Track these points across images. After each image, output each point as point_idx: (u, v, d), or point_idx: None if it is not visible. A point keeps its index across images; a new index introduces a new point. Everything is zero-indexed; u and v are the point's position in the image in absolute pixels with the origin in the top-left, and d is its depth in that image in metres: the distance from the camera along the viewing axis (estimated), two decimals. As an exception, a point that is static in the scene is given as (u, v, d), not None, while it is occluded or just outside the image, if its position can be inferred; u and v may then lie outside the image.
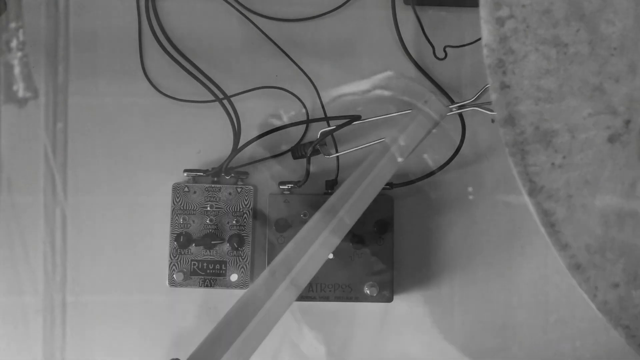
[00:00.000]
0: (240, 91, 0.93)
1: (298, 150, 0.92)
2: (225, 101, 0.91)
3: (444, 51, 0.92)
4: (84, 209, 0.93)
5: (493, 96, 0.45)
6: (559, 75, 0.44)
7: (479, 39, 0.89)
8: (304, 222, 0.87)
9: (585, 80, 0.44)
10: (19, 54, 0.92)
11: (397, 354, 0.93)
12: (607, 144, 0.45)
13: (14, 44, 0.92)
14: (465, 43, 0.91)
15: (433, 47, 0.92)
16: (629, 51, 0.44)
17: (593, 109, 0.44)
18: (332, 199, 0.79)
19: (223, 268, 0.88)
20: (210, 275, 0.88)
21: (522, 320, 0.93)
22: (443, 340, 0.93)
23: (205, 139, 0.93)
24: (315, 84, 0.94)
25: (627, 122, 0.44)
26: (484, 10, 0.45)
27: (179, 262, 0.88)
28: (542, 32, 0.44)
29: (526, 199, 0.48)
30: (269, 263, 0.87)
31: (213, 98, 0.92)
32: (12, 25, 0.91)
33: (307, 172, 0.88)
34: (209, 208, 0.89)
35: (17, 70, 0.92)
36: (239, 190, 0.89)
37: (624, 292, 0.46)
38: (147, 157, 0.94)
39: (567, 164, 0.45)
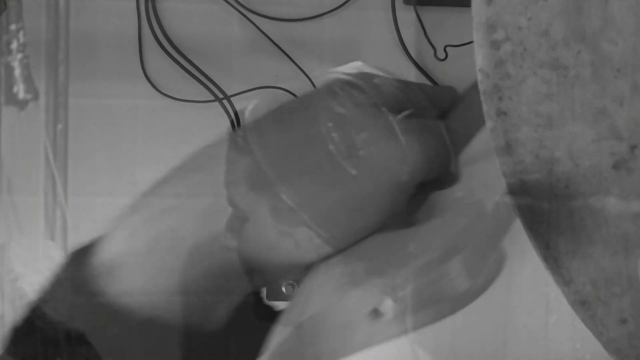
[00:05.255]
0: (240, 91, 0.90)
1: (298, 150, 0.89)
2: (225, 101, 0.89)
3: (445, 51, 0.89)
4: (84, 209, 0.91)
5: (489, 124, 0.41)
6: (560, 100, 0.40)
7: (479, 40, 0.87)
8: (304, 221, 0.85)
9: (588, 104, 0.40)
10: (20, 55, 0.89)
11: (397, 354, 0.91)
12: (612, 171, 0.41)
13: (14, 45, 0.89)
14: (465, 42, 0.88)
15: (434, 48, 0.90)
16: (633, 72, 0.40)
17: (596, 134, 0.41)
18: None
19: (224, 268, 0.85)
20: (210, 274, 0.85)
21: (522, 321, 0.91)
22: (443, 341, 0.91)
23: (205, 139, 0.91)
24: (315, 84, 0.90)
25: (633, 147, 0.40)
26: (478, 34, 0.41)
27: (179, 262, 0.85)
28: (541, 55, 0.40)
29: (526, 232, 0.44)
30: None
31: (213, 98, 0.90)
32: (13, 26, 0.89)
33: (308, 172, 0.85)
34: (209, 208, 0.86)
35: (17, 71, 0.89)
36: (239, 190, 0.86)
37: (633, 328, 0.43)
38: (147, 158, 0.91)
39: (569, 193, 0.41)
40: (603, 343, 0.45)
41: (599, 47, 0.40)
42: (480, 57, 0.41)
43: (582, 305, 0.43)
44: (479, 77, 0.41)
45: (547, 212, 0.43)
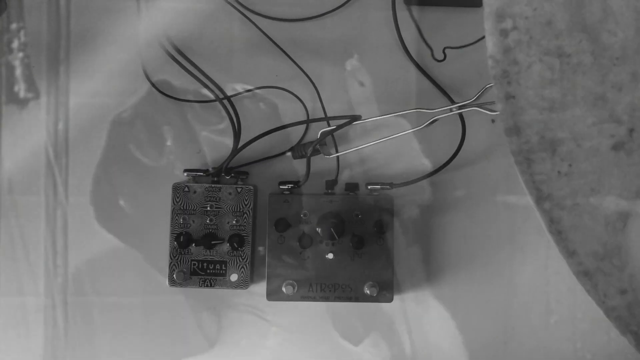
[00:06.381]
0: (240, 91, 0.93)
1: (298, 150, 0.92)
2: (225, 101, 0.91)
3: (443, 53, 0.92)
4: (85, 209, 0.93)
5: (499, 106, 0.45)
6: (563, 85, 0.44)
7: (479, 40, 0.90)
8: (304, 222, 0.88)
9: (589, 89, 0.45)
10: (21, 55, 0.91)
11: (396, 354, 0.94)
12: (612, 152, 0.45)
13: (15, 45, 0.91)
14: (466, 42, 0.92)
15: (431, 49, 0.93)
16: (631, 60, 0.44)
17: (597, 117, 0.45)
18: None
19: (223, 268, 0.89)
20: (210, 275, 0.89)
21: (523, 321, 0.94)
22: (443, 340, 0.94)
23: (205, 139, 0.93)
24: (315, 84, 0.94)
25: (631, 130, 0.45)
26: (488, 23, 0.45)
27: (179, 262, 0.88)
28: (546, 43, 0.44)
29: (533, 206, 0.48)
30: (269, 263, 0.87)
31: (213, 98, 0.92)
32: (14, 26, 0.91)
33: (307, 172, 0.88)
34: (209, 208, 0.89)
35: (18, 71, 0.91)
36: (239, 190, 0.89)
37: (632, 298, 0.46)
38: (147, 157, 0.94)
39: (572, 172, 0.45)
40: (604, 311, 0.48)
41: (599, 37, 0.44)
42: (490, 44, 0.45)
43: (584, 275, 0.47)
44: (490, 63, 0.45)
45: (552, 188, 0.46)
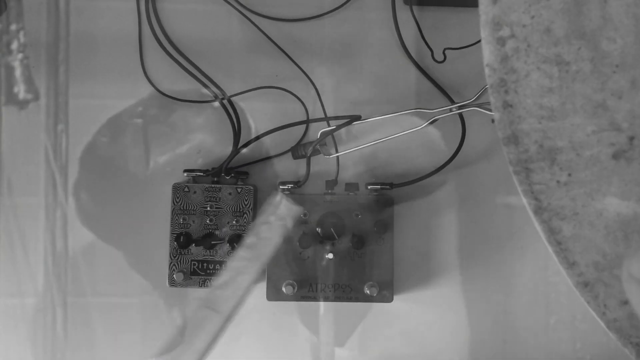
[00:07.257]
0: (240, 91, 0.92)
1: (298, 150, 0.91)
2: (225, 101, 0.90)
3: (443, 54, 0.91)
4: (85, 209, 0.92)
5: (496, 115, 0.44)
6: (562, 93, 0.44)
7: (480, 40, 0.89)
8: (304, 222, 0.87)
9: (588, 97, 0.44)
10: (20, 55, 0.91)
11: (396, 354, 0.93)
12: (612, 161, 0.44)
13: (14, 45, 0.91)
14: (466, 42, 0.91)
15: (431, 50, 0.92)
16: (631, 68, 0.44)
17: (597, 125, 0.44)
18: None
19: (223, 268, 0.88)
20: (210, 275, 0.88)
21: (522, 321, 0.93)
22: (443, 341, 0.93)
23: (205, 139, 0.93)
24: (315, 84, 0.93)
25: (631, 138, 0.44)
26: (484, 31, 0.44)
27: (179, 262, 0.88)
28: (544, 51, 0.44)
29: (532, 217, 0.47)
30: (268, 263, 0.87)
31: (213, 98, 0.92)
32: (13, 27, 0.91)
33: (307, 172, 0.88)
34: (209, 208, 0.89)
35: (17, 72, 0.91)
36: (239, 190, 0.89)
37: (634, 309, 0.46)
38: (147, 158, 0.93)
39: (572, 181, 0.45)
40: (605, 323, 0.48)
41: (599, 44, 0.44)
42: (487, 52, 0.45)
43: (585, 286, 0.46)
44: (487, 71, 0.44)
45: (552, 198, 0.46)
